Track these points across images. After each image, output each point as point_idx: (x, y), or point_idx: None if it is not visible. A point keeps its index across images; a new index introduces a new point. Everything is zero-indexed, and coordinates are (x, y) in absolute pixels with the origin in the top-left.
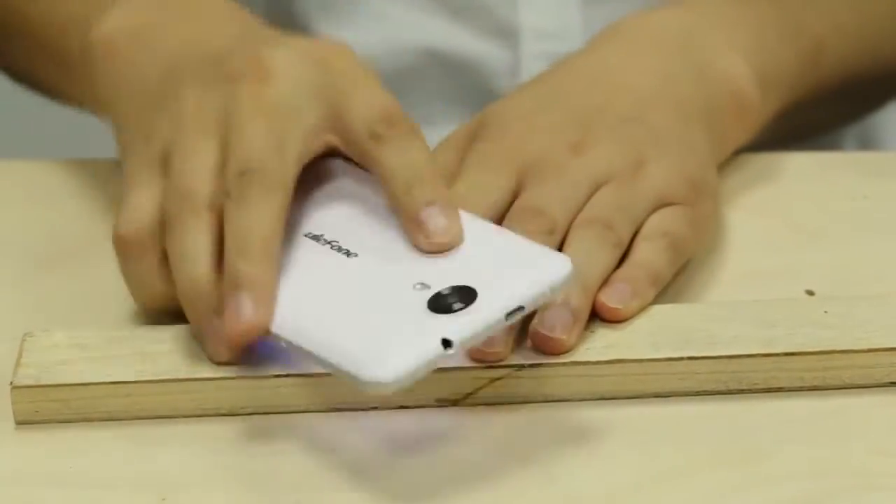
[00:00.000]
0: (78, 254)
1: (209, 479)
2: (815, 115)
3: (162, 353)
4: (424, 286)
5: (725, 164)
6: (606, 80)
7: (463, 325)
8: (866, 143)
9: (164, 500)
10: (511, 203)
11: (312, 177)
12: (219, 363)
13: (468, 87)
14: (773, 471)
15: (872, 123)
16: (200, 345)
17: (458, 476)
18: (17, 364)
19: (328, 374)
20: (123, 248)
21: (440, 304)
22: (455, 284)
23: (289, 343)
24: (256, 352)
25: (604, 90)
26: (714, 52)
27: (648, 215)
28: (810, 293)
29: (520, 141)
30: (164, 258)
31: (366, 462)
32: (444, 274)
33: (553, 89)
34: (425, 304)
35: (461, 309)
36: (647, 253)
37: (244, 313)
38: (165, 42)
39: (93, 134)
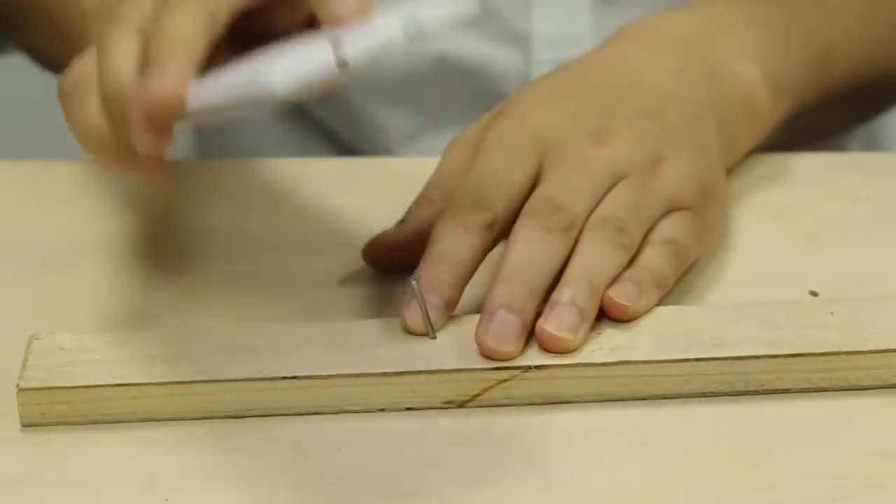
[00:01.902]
0: (80, 254)
1: (213, 480)
2: (823, 119)
3: (168, 355)
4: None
5: (730, 166)
6: (625, 75)
7: (357, 38)
8: (871, 145)
9: (166, 500)
10: (531, 184)
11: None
12: (147, 163)
13: (480, 93)
14: (779, 472)
15: (877, 124)
16: (124, 161)
17: (464, 478)
18: (23, 366)
19: (334, 377)
20: (64, 96)
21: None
22: None
23: (202, 110)
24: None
25: (623, 84)
26: (725, 56)
27: (659, 218)
28: (814, 294)
29: (541, 123)
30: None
31: (371, 464)
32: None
33: (573, 79)
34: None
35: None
36: (653, 258)
37: (160, 81)
38: None
39: None
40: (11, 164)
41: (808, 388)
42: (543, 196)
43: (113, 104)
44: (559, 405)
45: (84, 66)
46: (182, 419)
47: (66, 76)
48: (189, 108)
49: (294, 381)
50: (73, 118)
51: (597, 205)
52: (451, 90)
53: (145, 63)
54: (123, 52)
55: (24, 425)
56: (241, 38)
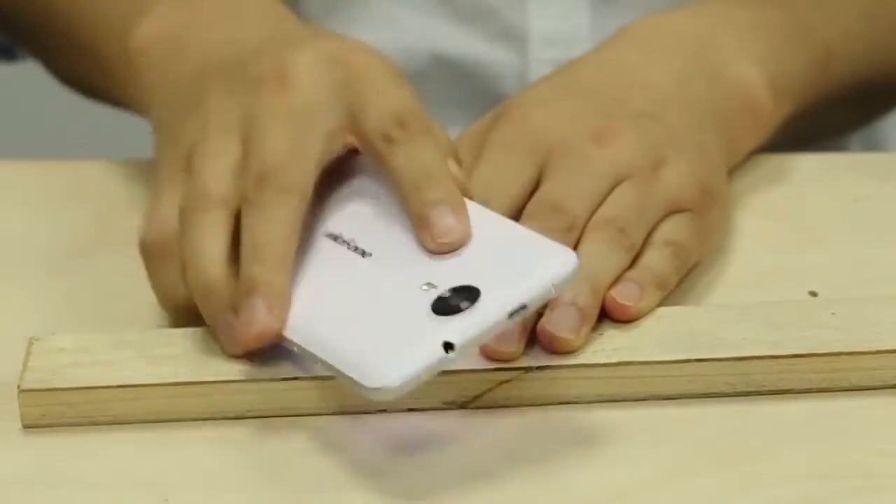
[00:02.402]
0: (80, 254)
1: (213, 480)
2: (824, 120)
3: (169, 356)
4: (431, 286)
5: (731, 167)
6: (625, 76)
7: (465, 328)
8: (871, 145)
9: (166, 500)
10: (532, 187)
11: (336, 174)
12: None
13: (476, 92)
14: (781, 472)
15: (877, 125)
16: (217, 341)
17: (465, 479)
18: (25, 367)
19: (335, 378)
20: (149, 254)
21: (443, 306)
22: (458, 285)
23: (299, 347)
24: (268, 353)
25: (623, 85)
26: (726, 56)
27: (660, 220)
28: (814, 294)
29: (542, 125)
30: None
31: (373, 464)
32: (449, 273)
33: (574, 81)
34: (429, 307)
35: (464, 310)
36: (655, 259)
37: (257, 318)
38: (198, 46)
39: (97, 135)
40: (11, 164)
41: (809, 389)
42: (544, 198)
43: (201, 302)
44: (560, 406)
45: (164, 224)
46: (182, 420)
47: (148, 233)
48: (285, 335)
49: (294, 381)
50: (156, 283)
51: (598, 206)
52: (447, 89)
53: (241, 279)
54: (210, 239)
55: (25, 426)
56: None
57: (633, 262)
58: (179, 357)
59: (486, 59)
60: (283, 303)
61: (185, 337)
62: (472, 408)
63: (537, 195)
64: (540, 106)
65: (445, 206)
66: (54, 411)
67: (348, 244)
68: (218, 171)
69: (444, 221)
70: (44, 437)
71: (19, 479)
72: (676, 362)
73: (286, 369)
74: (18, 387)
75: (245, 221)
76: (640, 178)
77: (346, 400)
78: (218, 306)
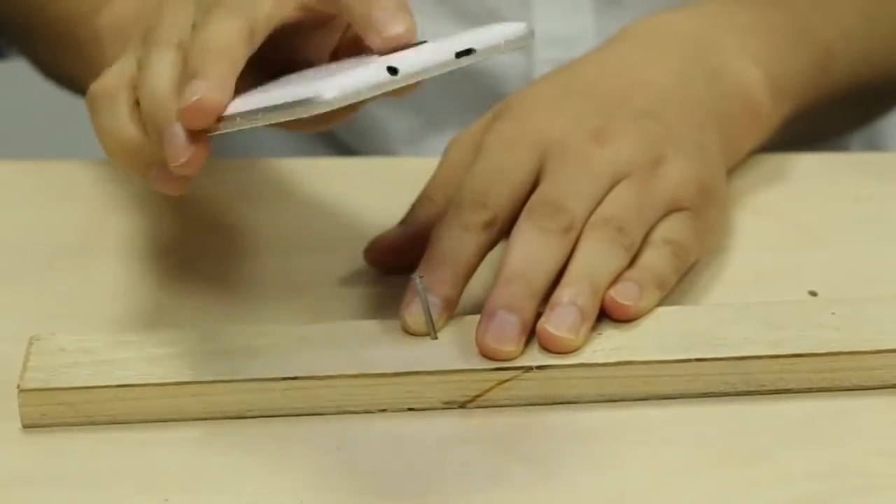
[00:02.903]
0: (80, 254)
1: (213, 481)
2: (824, 121)
3: (169, 355)
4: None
5: (731, 167)
6: (625, 75)
7: (411, 57)
8: (871, 145)
9: (166, 500)
10: (532, 183)
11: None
12: (180, 176)
13: (480, 94)
14: (781, 471)
15: (877, 125)
16: (155, 175)
17: (465, 478)
18: (25, 367)
19: (336, 377)
20: (96, 100)
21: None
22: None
23: (240, 118)
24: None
25: (623, 84)
26: (726, 57)
27: (659, 219)
28: (813, 294)
29: (542, 123)
30: (135, 106)
31: (373, 464)
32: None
33: (574, 80)
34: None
35: (410, 47)
36: (654, 258)
37: (198, 90)
38: None
39: (93, 134)
40: (11, 164)
41: (809, 389)
42: (543, 198)
43: (150, 117)
44: (560, 405)
45: (116, 74)
46: (182, 420)
47: (97, 83)
48: (229, 115)
49: (295, 381)
50: (101, 125)
51: (597, 205)
52: (451, 91)
53: (185, 73)
54: (163, 67)
55: (25, 426)
56: (270, 68)
57: (633, 262)
58: (179, 357)
59: (490, 60)
60: (223, 81)
61: (185, 337)
62: (471, 407)
63: (535, 195)
64: (540, 104)
65: (392, 7)
66: (54, 411)
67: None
68: (172, 21)
69: (392, 17)
70: (44, 436)
71: (19, 479)
72: (676, 362)
73: (286, 369)
74: (18, 386)
75: (192, 38)
76: (639, 177)
77: (346, 400)
78: (165, 113)
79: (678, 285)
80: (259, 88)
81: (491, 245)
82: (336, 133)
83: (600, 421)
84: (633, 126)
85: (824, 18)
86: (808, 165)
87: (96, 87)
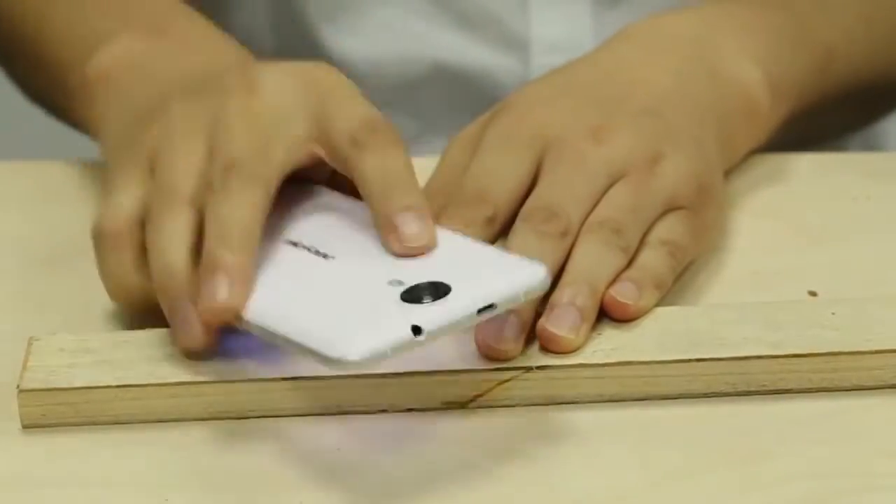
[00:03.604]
0: (80, 254)
1: (213, 481)
2: (824, 121)
3: (169, 356)
4: (399, 282)
5: (729, 167)
6: (624, 74)
7: (434, 315)
8: (871, 145)
9: (166, 501)
10: (530, 181)
11: (295, 196)
12: (188, 352)
13: (478, 99)
14: (781, 472)
15: (877, 125)
16: (172, 335)
17: (465, 478)
18: (24, 367)
19: (336, 378)
20: (101, 241)
21: (413, 295)
22: (429, 280)
23: (261, 330)
24: (226, 345)
25: (622, 83)
26: (726, 57)
27: (657, 218)
28: (813, 294)
29: (540, 120)
30: (143, 252)
31: (373, 464)
32: (419, 271)
33: (573, 78)
34: (398, 296)
35: (434, 300)
36: (651, 259)
37: (219, 293)
38: (162, 72)
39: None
40: (11, 164)
41: (809, 389)
42: (539, 201)
43: (162, 286)
44: (560, 406)
45: (122, 216)
46: (183, 420)
47: (102, 221)
48: (245, 318)
49: (295, 381)
50: (106, 270)
51: (594, 206)
52: (449, 96)
53: (205, 257)
54: (177, 227)
55: (25, 426)
56: None
57: (630, 262)
58: (179, 357)
59: (488, 66)
60: (245, 281)
61: None
62: (472, 408)
63: (532, 198)
64: (538, 103)
65: (413, 212)
66: (54, 411)
67: (309, 249)
68: (185, 169)
69: (412, 226)
70: (44, 437)
71: (19, 479)
72: (676, 362)
73: (286, 369)
74: (18, 387)
75: (210, 208)
76: (636, 177)
77: (347, 401)
78: (178, 292)
79: (677, 285)
80: (284, 272)
81: (492, 241)
82: None
83: (600, 421)
84: (631, 124)
85: (824, 19)
86: (807, 165)
87: (101, 226)
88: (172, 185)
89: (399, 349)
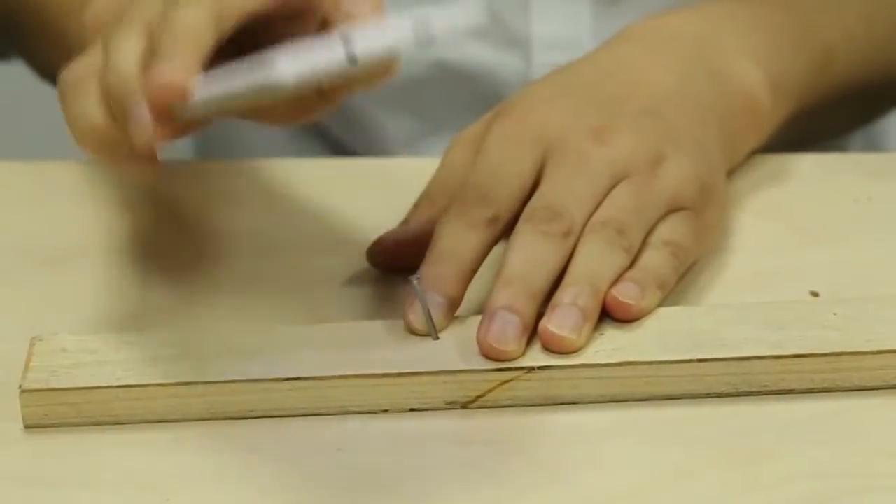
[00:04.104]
0: (80, 254)
1: (214, 481)
2: (824, 121)
3: (171, 356)
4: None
5: (731, 167)
6: (625, 75)
7: (367, 33)
8: (871, 145)
9: (167, 501)
10: (533, 180)
11: None
12: (143, 150)
13: (480, 98)
14: (783, 472)
15: (877, 125)
16: (124, 162)
17: (467, 478)
18: (26, 368)
19: (337, 378)
20: (66, 89)
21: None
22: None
23: (207, 103)
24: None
25: (623, 83)
26: (727, 57)
27: (659, 219)
28: (814, 294)
29: (543, 120)
30: (104, 93)
31: (374, 464)
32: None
33: (575, 79)
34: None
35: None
36: (653, 259)
37: (164, 71)
38: None
39: None
40: (11, 164)
41: (811, 389)
42: (542, 202)
43: (115, 98)
44: (562, 406)
45: (86, 63)
46: (184, 420)
47: (67, 72)
48: (194, 97)
49: (297, 382)
50: (71, 113)
51: (597, 207)
52: (450, 94)
53: (151, 56)
54: (129, 47)
55: (27, 426)
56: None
57: (633, 263)
58: (181, 357)
59: (489, 64)
60: (192, 64)
61: (186, 337)
62: (473, 408)
63: (535, 198)
64: (540, 103)
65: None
66: (56, 411)
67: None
68: (145, 8)
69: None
70: (45, 437)
71: (20, 479)
72: (678, 362)
73: (288, 370)
74: (20, 387)
75: (160, 19)
76: (638, 177)
77: (348, 401)
78: (131, 96)
79: (679, 285)
80: (223, 69)
81: (494, 241)
82: (336, 136)
83: (602, 421)
84: (633, 124)
85: (825, 19)
86: (808, 166)
87: (66, 75)
88: (128, 15)
89: (332, 64)
